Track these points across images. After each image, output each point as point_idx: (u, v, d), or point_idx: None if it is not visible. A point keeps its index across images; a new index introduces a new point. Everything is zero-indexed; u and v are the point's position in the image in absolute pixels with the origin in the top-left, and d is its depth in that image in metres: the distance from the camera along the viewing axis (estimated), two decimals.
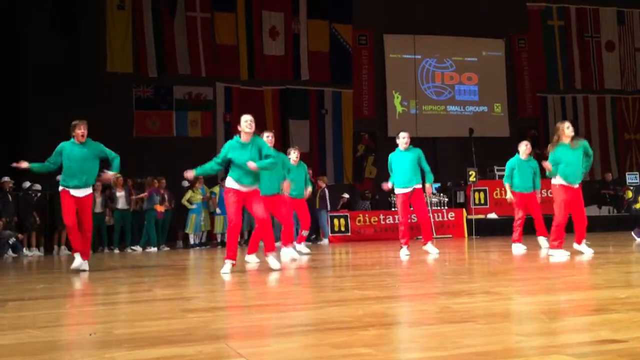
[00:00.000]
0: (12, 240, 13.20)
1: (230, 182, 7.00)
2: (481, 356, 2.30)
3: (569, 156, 7.95)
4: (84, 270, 7.82)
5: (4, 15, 17.14)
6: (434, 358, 2.32)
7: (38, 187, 14.15)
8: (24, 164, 8.06)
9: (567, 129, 7.98)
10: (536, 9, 23.66)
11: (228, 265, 6.84)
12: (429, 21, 21.70)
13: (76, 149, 8.12)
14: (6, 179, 13.78)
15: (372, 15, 21.44)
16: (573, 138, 8.03)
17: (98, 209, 14.52)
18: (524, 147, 10.07)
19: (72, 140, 8.18)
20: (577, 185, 8.07)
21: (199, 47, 19.88)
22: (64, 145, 8.17)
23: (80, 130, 8.17)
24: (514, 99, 23.14)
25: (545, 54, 23.62)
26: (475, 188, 16.72)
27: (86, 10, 18.66)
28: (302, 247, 10.70)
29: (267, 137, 8.90)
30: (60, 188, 8.12)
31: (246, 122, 7.02)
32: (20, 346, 2.91)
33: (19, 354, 2.70)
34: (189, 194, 15.22)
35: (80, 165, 8.07)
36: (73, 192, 8.03)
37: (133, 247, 14.51)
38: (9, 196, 13.69)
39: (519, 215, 9.75)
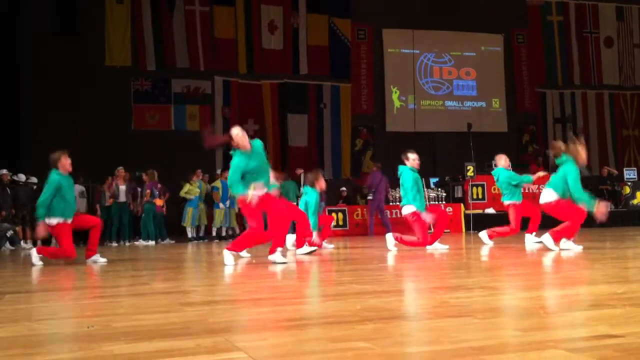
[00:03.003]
0: (9, 233, 13.20)
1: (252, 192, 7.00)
2: (478, 350, 2.31)
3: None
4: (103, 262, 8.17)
5: (3, 9, 17.11)
6: (431, 352, 2.33)
7: (34, 179, 14.14)
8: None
9: (585, 153, 8.05)
10: (535, 4, 23.67)
11: (230, 257, 6.96)
12: (428, 16, 21.69)
13: (68, 180, 8.23)
14: (4, 171, 13.78)
15: (371, 9, 21.43)
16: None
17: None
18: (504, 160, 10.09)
19: (57, 171, 8.15)
20: None
21: (198, 41, 19.88)
22: (60, 179, 8.11)
23: (69, 160, 8.23)
24: (512, 94, 23.15)
25: (544, 49, 23.65)
26: (473, 183, 16.74)
27: (85, 4, 18.64)
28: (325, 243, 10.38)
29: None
30: (58, 221, 8.07)
31: (238, 135, 6.98)
32: (18, 339, 2.91)
33: (17, 347, 2.70)
34: (186, 187, 15.20)
35: (72, 195, 8.29)
36: (69, 220, 8.17)
37: (135, 242, 14.60)
38: (7, 189, 13.68)
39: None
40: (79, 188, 15.13)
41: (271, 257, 7.09)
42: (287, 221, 7.43)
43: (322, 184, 9.96)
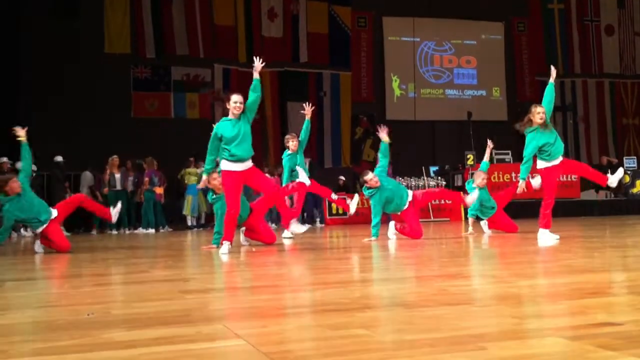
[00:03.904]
0: None
1: (225, 165, 6.98)
2: (477, 338, 2.31)
3: (546, 137, 7.63)
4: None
5: None
6: (430, 339, 2.34)
7: (33, 167, 14.13)
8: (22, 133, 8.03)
9: (537, 115, 7.69)
10: None
11: (226, 245, 6.93)
12: (429, 4, 21.62)
13: (20, 197, 7.97)
14: (4, 159, 13.79)
15: None
16: (544, 124, 7.67)
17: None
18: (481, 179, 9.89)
19: (4, 198, 7.94)
20: (561, 159, 7.76)
21: (197, 28, 19.82)
22: (10, 209, 7.91)
23: (17, 183, 7.95)
24: (512, 82, 23.12)
25: (545, 37, 23.59)
26: (473, 171, 16.70)
27: None
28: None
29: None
30: (40, 229, 8.00)
31: (235, 104, 7.00)
32: (18, 326, 2.91)
33: (17, 334, 2.71)
34: (183, 172, 15.26)
35: (30, 212, 7.99)
36: (50, 218, 8.06)
37: (136, 230, 14.65)
38: None
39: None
40: (88, 176, 15.14)
41: (285, 234, 7.13)
42: (277, 190, 7.47)
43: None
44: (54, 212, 8.08)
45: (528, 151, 7.61)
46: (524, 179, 7.78)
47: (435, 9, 21.78)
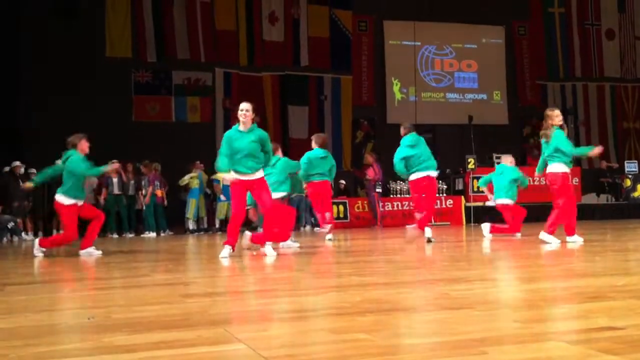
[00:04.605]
0: (11, 225, 13.21)
1: (232, 173, 6.99)
2: (479, 342, 2.31)
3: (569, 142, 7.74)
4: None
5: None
6: (431, 344, 2.33)
7: (33, 171, 14.15)
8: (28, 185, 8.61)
9: (557, 117, 7.76)
10: None
11: (227, 249, 6.91)
12: (430, 7, 21.63)
13: (85, 159, 8.19)
14: (17, 163, 13.84)
15: (372, 1, 21.38)
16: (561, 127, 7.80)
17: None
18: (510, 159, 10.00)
19: (75, 152, 8.11)
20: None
21: (199, 32, 19.82)
22: (74, 159, 8.06)
23: (87, 143, 8.24)
24: (513, 86, 23.10)
25: (546, 41, 23.58)
26: (474, 175, 16.70)
27: None
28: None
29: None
30: (69, 202, 8.05)
31: (241, 112, 6.94)
32: (19, 330, 2.91)
33: (18, 338, 2.70)
34: (186, 178, 15.22)
35: (82, 176, 8.24)
36: (79, 202, 8.18)
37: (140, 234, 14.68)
38: (20, 181, 13.71)
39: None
40: (92, 181, 15.14)
41: (263, 250, 7.11)
42: (272, 213, 7.31)
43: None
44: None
45: (567, 146, 7.61)
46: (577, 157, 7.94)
47: (436, 13, 21.79)
